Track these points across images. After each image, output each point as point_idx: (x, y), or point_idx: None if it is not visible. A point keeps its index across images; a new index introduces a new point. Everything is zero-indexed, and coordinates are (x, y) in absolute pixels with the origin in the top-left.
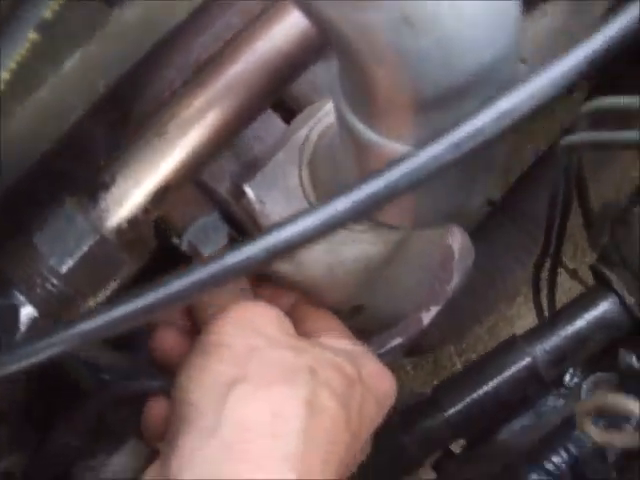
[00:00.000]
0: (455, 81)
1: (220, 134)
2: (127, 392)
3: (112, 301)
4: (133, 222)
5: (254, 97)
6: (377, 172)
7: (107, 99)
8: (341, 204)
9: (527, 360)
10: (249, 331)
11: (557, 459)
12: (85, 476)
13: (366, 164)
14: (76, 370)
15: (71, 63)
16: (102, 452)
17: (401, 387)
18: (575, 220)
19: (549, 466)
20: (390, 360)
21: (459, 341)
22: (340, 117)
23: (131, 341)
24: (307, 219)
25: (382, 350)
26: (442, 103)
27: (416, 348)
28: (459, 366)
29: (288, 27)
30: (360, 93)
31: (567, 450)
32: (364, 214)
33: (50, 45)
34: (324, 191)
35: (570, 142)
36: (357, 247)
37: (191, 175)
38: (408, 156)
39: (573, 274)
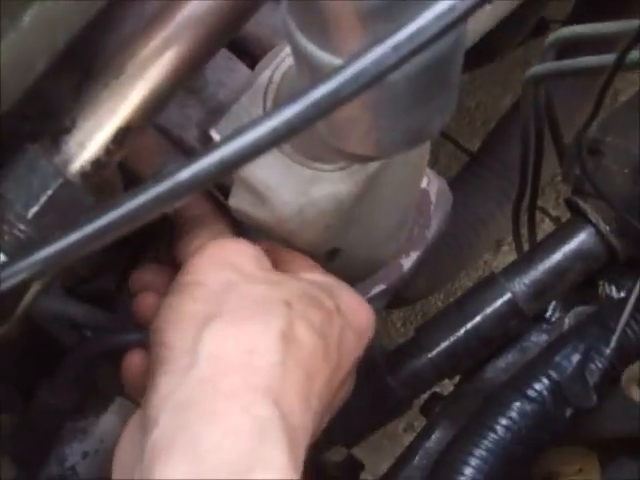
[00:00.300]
0: None
1: (178, 72)
2: (108, 346)
3: (69, 227)
4: (97, 164)
5: (210, 34)
6: (321, 79)
7: (67, 54)
8: (290, 111)
9: (507, 295)
10: (225, 267)
11: (538, 385)
12: (74, 438)
13: None
14: (58, 329)
15: (29, 18)
16: (91, 412)
17: (391, 343)
18: (556, 166)
19: (530, 392)
20: (374, 308)
21: (444, 290)
22: (292, 43)
23: (113, 302)
24: (258, 128)
25: (365, 298)
26: (387, 10)
27: (401, 298)
28: None
29: None
30: (309, 12)
31: (548, 376)
32: (312, 120)
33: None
34: (295, 137)
35: (535, 72)
36: (327, 186)
37: (151, 114)
38: (351, 60)
39: (556, 221)
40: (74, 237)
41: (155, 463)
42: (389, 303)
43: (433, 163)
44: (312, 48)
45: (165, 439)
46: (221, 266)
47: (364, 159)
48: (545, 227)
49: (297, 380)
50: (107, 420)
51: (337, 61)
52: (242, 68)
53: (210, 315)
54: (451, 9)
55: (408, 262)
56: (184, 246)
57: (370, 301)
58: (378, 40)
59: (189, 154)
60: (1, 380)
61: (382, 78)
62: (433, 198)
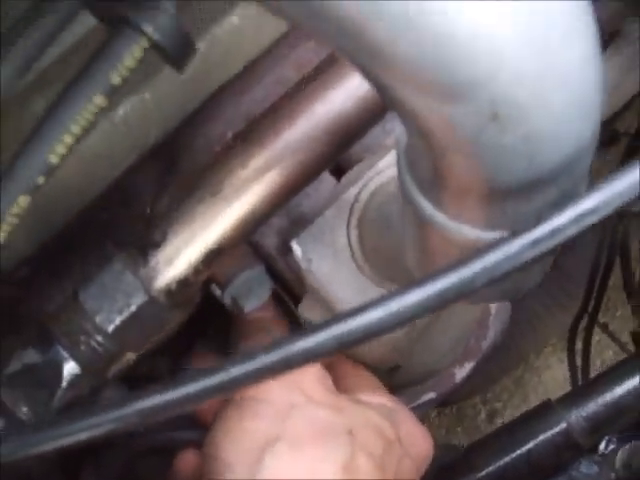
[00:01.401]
0: (536, 174)
1: (276, 197)
2: (157, 443)
3: (163, 386)
4: (183, 283)
5: (312, 161)
6: (452, 265)
7: (156, 149)
8: (415, 296)
9: (562, 425)
10: (289, 386)
11: None
12: None
13: (427, 242)
14: None
15: (123, 110)
16: None
17: None
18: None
19: None
20: (420, 413)
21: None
22: (404, 192)
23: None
24: (380, 309)
25: (414, 404)
26: (519, 193)
27: (444, 401)
28: (483, 415)
29: (349, 91)
30: (430, 174)
31: None
32: (441, 307)
33: None
34: (373, 255)
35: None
36: None
37: (245, 237)
38: (481, 254)
39: (604, 328)
40: (170, 395)
41: None
42: None
43: None
44: (426, 205)
45: None
46: (285, 384)
47: None
48: (598, 339)
49: None
50: None
51: (452, 224)
52: (328, 179)
53: (272, 436)
54: (596, 208)
55: (461, 373)
56: (244, 345)
57: (419, 407)
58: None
59: (267, 261)
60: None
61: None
62: (493, 310)
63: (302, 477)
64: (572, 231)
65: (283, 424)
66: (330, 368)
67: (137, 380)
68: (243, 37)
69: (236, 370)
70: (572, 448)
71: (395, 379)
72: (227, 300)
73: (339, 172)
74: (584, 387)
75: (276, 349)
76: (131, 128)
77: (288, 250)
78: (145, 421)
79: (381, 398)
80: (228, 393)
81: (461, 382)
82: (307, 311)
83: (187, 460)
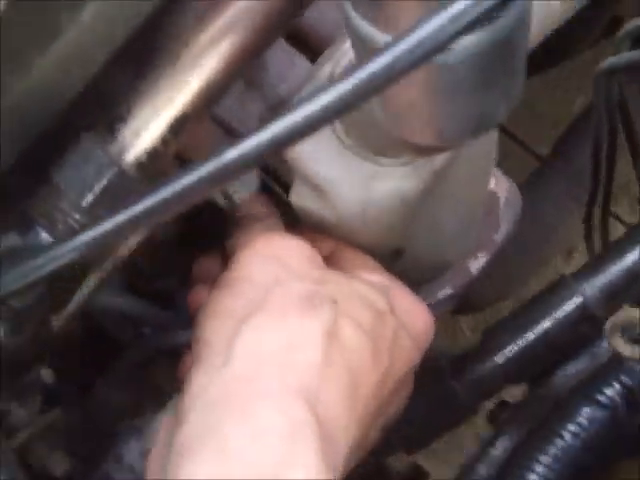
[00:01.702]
0: None
1: (234, 60)
2: (165, 344)
3: (116, 208)
4: (152, 154)
5: (265, 22)
6: (376, 52)
7: (124, 48)
8: (343, 86)
9: (578, 299)
10: (273, 263)
11: (609, 391)
12: (131, 436)
13: None
14: (116, 325)
15: (89, 14)
16: (148, 411)
17: (459, 351)
18: (630, 172)
19: (601, 398)
20: (440, 314)
21: (515, 298)
22: (349, 25)
23: (172, 301)
24: (309, 105)
25: (431, 301)
26: None
27: (469, 304)
28: None
29: None
30: None
31: (620, 381)
32: (365, 96)
33: None
34: (352, 126)
35: (609, 65)
36: (389, 182)
37: (209, 103)
38: (406, 34)
39: (614, 216)
40: (121, 218)
41: (182, 461)
42: (457, 308)
43: (503, 167)
44: (367, 27)
45: (193, 437)
46: (268, 261)
47: (427, 150)
48: (618, 234)
49: (340, 382)
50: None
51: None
52: (303, 62)
53: (251, 310)
54: None
55: (476, 265)
56: (235, 242)
57: (436, 305)
58: (434, 12)
59: None
60: (60, 376)
61: (438, 51)
62: (502, 200)
63: (279, 347)
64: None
65: (262, 297)
66: (330, 256)
67: (153, 298)
68: None
69: (178, 184)
70: (589, 321)
71: (402, 267)
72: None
73: (314, 56)
74: (596, 260)
75: (212, 159)
76: (97, 30)
77: None
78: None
79: (377, 276)
80: (175, 208)
81: (477, 275)
82: (298, 198)
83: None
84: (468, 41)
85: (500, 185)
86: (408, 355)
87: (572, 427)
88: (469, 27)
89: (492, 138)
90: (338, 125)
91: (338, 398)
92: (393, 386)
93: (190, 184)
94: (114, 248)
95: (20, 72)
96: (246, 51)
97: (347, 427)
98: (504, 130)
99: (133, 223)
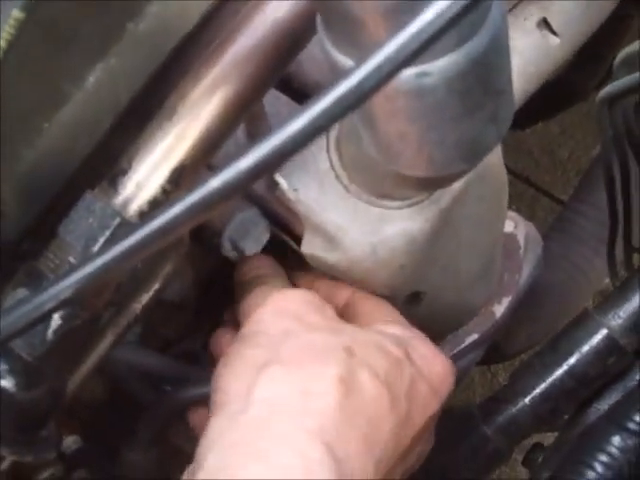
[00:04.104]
0: None
1: (229, 110)
2: (188, 399)
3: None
4: (154, 203)
5: (258, 71)
6: (345, 73)
7: (130, 109)
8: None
9: (603, 331)
10: (286, 316)
11: (639, 417)
12: None
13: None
14: (138, 384)
15: (93, 78)
16: (171, 471)
17: None
18: None
19: (631, 425)
20: (470, 363)
21: None
22: (328, 58)
23: (196, 361)
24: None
25: (458, 349)
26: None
27: (502, 352)
28: None
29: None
30: (338, 20)
31: None
32: (337, 117)
33: (70, 61)
34: (354, 171)
35: (606, 93)
36: (398, 224)
37: (206, 153)
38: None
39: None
40: (114, 252)
41: None
42: (490, 358)
43: (530, 218)
44: (341, 57)
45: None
46: (282, 315)
47: (428, 185)
48: None
49: (357, 426)
50: None
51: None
52: (293, 106)
53: (267, 361)
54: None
55: (500, 309)
56: (246, 304)
57: (464, 351)
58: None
59: (258, 204)
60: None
61: (404, 67)
62: (522, 242)
63: (296, 393)
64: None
65: (277, 349)
66: (347, 304)
67: (177, 358)
68: None
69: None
70: (617, 352)
71: (423, 314)
72: (227, 245)
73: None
74: (617, 290)
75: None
76: (102, 94)
77: (275, 185)
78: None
79: (394, 326)
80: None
81: (502, 318)
82: (310, 247)
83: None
84: (443, 62)
85: (519, 227)
86: (426, 402)
87: (603, 457)
88: (430, 42)
89: (501, 178)
90: (342, 172)
91: (355, 441)
92: (412, 434)
93: (178, 213)
94: (111, 283)
95: (28, 140)
96: (240, 101)
97: (365, 470)
98: (527, 180)
99: (126, 256)
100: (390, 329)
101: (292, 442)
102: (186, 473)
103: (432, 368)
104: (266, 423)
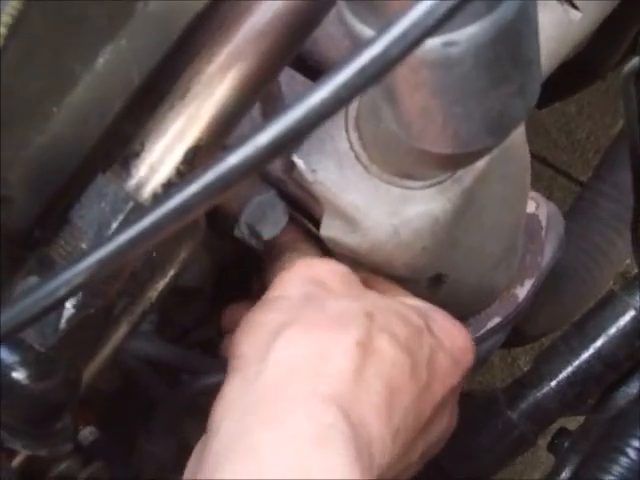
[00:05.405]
0: None
1: (244, 88)
2: (204, 388)
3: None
4: (167, 185)
5: (274, 47)
6: (367, 42)
7: (142, 91)
8: (336, 81)
9: (630, 312)
10: (311, 284)
11: None
12: None
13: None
14: (151, 376)
15: (103, 60)
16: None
17: None
18: None
19: None
20: (492, 346)
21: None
22: (349, 30)
23: (213, 349)
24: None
25: (481, 332)
26: None
27: (522, 335)
28: None
29: None
30: None
31: None
32: (360, 88)
33: (80, 43)
34: (375, 151)
35: (633, 67)
36: (420, 205)
37: (221, 133)
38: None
39: None
40: (128, 235)
41: (216, 469)
42: (511, 341)
43: (548, 198)
44: (363, 28)
45: (226, 445)
46: (306, 281)
47: (451, 163)
48: None
49: (375, 391)
50: None
51: None
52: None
53: (285, 323)
54: None
55: (523, 291)
56: (273, 270)
57: (487, 334)
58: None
59: (276, 187)
60: (102, 429)
61: (431, 34)
62: (544, 223)
63: (312, 356)
64: None
65: (298, 312)
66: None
67: (191, 347)
68: None
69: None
70: None
71: (445, 295)
72: (244, 230)
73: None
74: None
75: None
76: (112, 76)
77: (292, 166)
78: None
79: (414, 301)
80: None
81: (524, 301)
82: (329, 230)
83: None
84: (471, 30)
85: (540, 208)
86: (448, 373)
87: (636, 443)
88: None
89: (524, 156)
90: (361, 152)
91: (372, 407)
92: (433, 405)
93: (195, 192)
94: (125, 270)
95: (37, 125)
96: (255, 78)
97: (382, 437)
98: (545, 160)
99: (140, 239)
100: (410, 301)
101: (305, 406)
102: (200, 442)
103: (453, 341)
104: (280, 386)
